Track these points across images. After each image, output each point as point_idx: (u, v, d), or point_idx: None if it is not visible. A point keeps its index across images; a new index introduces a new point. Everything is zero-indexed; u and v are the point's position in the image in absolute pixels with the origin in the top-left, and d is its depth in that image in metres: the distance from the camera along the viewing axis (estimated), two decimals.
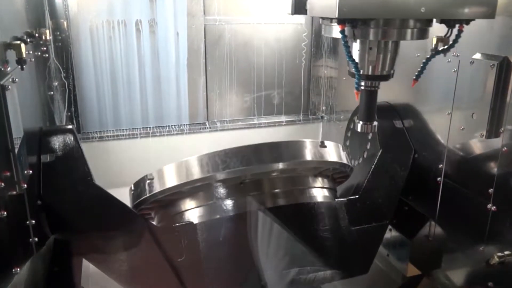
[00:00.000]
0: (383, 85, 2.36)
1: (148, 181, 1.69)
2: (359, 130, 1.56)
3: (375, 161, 1.99)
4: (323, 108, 3.20)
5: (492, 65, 1.57)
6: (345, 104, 2.86)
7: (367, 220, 1.93)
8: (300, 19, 3.03)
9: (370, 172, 1.97)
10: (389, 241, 2.25)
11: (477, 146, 1.72)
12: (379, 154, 2.00)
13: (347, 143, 2.29)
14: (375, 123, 1.55)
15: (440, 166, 1.90)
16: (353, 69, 1.42)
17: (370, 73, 1.44)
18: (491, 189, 1.63)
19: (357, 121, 1.57)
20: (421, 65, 1.50)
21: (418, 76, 1.53)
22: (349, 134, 2.31)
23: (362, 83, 1.48)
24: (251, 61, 3.04)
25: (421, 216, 2.04)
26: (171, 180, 1.64)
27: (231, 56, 2.98)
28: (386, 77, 1.47)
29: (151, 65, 2.83)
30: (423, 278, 2.08)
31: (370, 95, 1.50)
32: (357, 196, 1.89)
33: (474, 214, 1.72)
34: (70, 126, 1.84)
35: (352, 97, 2.70)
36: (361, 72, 1.44)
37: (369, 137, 2.07)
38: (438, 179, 1.91)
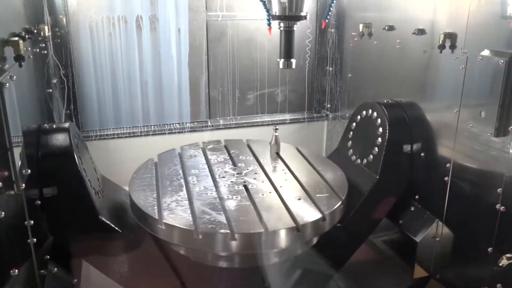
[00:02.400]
0: (389, 82, 2.32)
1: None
2: (281, 67, 1.81)
3: (369, 189, 1.97)
4: (328, 106, 3.15)
5: (501, 62, 1.54)
6: (350, 101, 2.83)
7: (343, 246, 1.97)
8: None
9: (361, 202, 1.96)
10: (395, 242, 2.22)
11: (485, 144, 1.69)
12: (374, 181, 1.98)
13: (349, 143, 2.26)
14: (293, 60, 1.80)
15: (448, 165, 1.87)
16: (263, 8, 1.69)
17: (287, 14, 1.70)
18: (500, 189, 1.61)
19: (278, 60, 1.82)
20: (327, 7, 1.81)
21: (325, 17, 1.86)
22: (350, 133, 2.28)
23: (282, 24, 1.75)
24: (254, 57, 3.01)
25: (428, 216, 2.01)
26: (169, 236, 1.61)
27: (234, 52, 2.95)
28: (299, 18, 1.72)
29: (152, 62, 2.80)
30: (430, 279, 2.05)
31: (287, 34, 1.77)
32: (341, 225, 1.89)
33: (482, 214, 1.70)
34: (67, 125, 1.82)
35: (358, 95, 2.68)
36: (277, 13, 1.72)
37: (375, 151, 2.05)
38: (446, 178, 1.88)
